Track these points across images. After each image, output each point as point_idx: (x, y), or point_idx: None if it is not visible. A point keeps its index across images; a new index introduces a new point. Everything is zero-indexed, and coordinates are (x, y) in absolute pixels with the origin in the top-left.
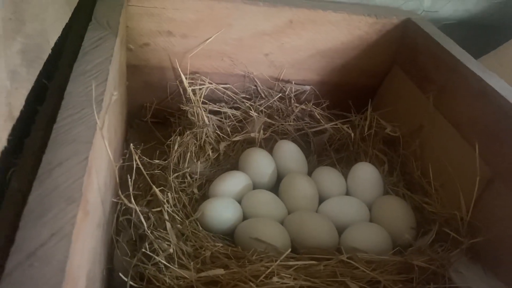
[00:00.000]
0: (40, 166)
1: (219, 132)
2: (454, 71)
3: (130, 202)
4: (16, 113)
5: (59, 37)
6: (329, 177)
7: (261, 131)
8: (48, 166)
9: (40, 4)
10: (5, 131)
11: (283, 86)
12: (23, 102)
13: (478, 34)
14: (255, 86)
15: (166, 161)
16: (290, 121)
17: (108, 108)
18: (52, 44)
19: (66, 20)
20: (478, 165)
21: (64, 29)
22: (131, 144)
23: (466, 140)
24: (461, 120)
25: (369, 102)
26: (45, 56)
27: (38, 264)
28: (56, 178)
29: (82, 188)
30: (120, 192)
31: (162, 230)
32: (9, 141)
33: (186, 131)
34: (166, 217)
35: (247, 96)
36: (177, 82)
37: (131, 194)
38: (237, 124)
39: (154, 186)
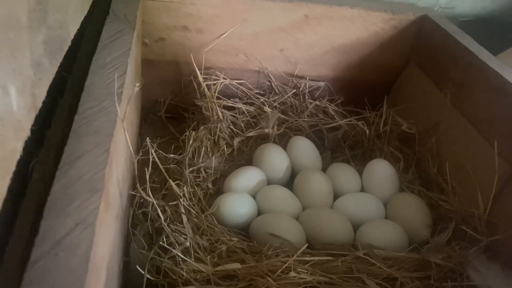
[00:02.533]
0: (63, 157)
1: (233, 128)
2: (472, 68)
3: (148, 195)
4: (39, 104)
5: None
6: (344, 173)
7: (275, 127)
8: (70, 157)
9: None
10: (29, 121)
11: (298, 82)
12: (45, 93)
13: (495, 31)
14: (269, 82)
15: (181, 156)
16: (304, 117)
17: (130, 100)
18: (72, 36)
19: (85, 13)
20: (497, 162)
21: (82, 22)
22: (148, 138)
23: (484, 138)
24: (479, 117)
25: (384, 99)
26: (65, 48)
27: (63, 254)
28: (79, 169)
29: (104, 179)
30: (138, 185)
31: (178, 224)
32: (31, 131)
33: (200, 126)
34: (183, 210)
35: (261, 92)
36: (192, 77)
37: (148, 187)
38: (251, 119)
39: (170, 180)
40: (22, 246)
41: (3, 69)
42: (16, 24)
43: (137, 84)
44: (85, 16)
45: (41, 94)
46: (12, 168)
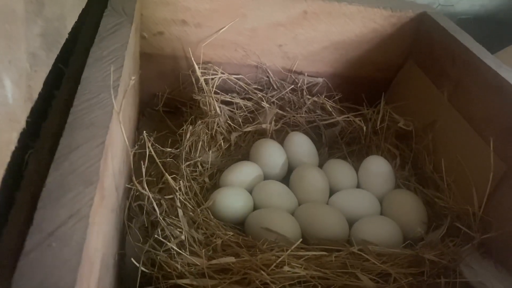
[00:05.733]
0: (58, 149)
1: (230, 123)
2: (470, 66)
3: (143, 188)
4: (35, 96)
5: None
6: (340, 169)
7: (273, 123)
8: (65, 149)
9: None
10: (24, 113)
11: (296, 78)
12: (41, 85)
13: (493, 29)
14: (268, 77)
15: (178, 150)
16: (302, 113)
17: (126, 93)
18: (69, 29)
19: (83, 6)
20: (493, 160)
21: (79, 15)
22: (144, 132)
23: (481, 136)
24: (476, 115)
25: (382, 95)
26: (62, 41)
27: (56, 245)
28: (74, 161)
29: (99, 171)
30: (134, 178)
31: (174, 217)
32: (27, 123)
33: (197, 121)
34: (178, 204)
35: (259, 87)
36: (190, 71)
37: (144, 180)
38: (248, 115)
39: (166, 174)
40: (16, 236)
41: None
42: (12, 15)
43: (133, 78)
44: (83, 9)
45: (37, 86)
46: (7, 159)
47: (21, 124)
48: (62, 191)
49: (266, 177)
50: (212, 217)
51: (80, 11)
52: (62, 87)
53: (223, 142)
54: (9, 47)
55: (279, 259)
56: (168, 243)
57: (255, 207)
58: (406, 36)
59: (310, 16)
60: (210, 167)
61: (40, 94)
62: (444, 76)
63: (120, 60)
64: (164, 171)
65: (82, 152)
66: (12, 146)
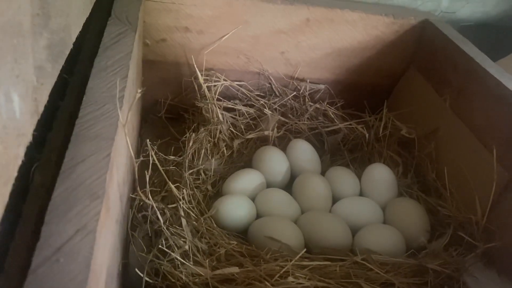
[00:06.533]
0: (64, 162)
1: (233, 130)
2: (472, 74)
3: (147, 198)
4: (41, 109)
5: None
6: (343, 177)
7: (275, 130)
8: (71, 162)
9: None
10: (31, 127)
11: (298, 85)
12: (47, 98)
13: (496, 36)
14: (270, 84)
15: (181, 158)
16: (304, 120)
17: (132, 105)
18: (74, 39)
19: (87, 14)
20: (496, 169)
21: (83, 24)
22: (148, 141)
23: (483, 144)
24: (478, 123)
25: (384, 102)
26: (67, 51)
27: (64, 260)
28: (80, 174)
29: (105, 184)
30: (138, 188)
31: (177, 227)
32: (33, 136)
33: (200, 128)
34: (182, 213)
35: (261, 94)
36: (192, 78)
37: (148, 190)
38: (251, 121)
39: (170, 183)
40: (23, 252)
41: (7, 76)
42: (19, 29)
43: (139, 90)
44: (86, 18)
45: (43, 99)
46: (14, 174)
47: (28, 138)
48: (68, 205)
49: (268, 185)
50: (215, 225)
51: (84, 20)
52: (66, 98)
53: (226, 149)
54: (16, 62)
55: (283, 270)
56: (172, 253)
57: (258, 215)
58: (408, 43)
59: (313, 23)
60: (212, 175)
61: (45, 105)
62: (446, 84)
63: (125, 70)
64: (167, 180)
65: (88, 165)
66: (19, 161)
